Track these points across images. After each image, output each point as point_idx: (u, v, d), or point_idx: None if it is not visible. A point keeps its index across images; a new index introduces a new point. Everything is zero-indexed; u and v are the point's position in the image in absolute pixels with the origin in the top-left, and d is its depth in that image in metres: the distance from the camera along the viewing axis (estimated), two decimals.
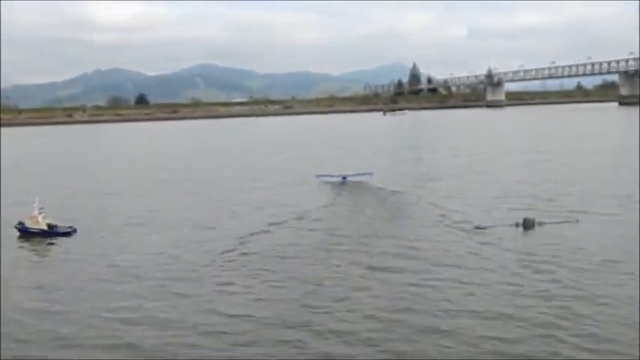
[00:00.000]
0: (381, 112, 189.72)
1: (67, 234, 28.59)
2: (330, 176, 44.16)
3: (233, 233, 27.26)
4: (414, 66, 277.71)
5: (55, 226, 28.92)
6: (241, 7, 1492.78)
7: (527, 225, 26.73)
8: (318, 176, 44.94)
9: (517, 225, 26.85)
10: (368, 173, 44.05)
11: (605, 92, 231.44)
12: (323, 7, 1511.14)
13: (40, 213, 28.80)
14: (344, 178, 43.49)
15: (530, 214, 27.95)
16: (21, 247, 27.35)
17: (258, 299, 18.52)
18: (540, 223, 26.88)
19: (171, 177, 50.16)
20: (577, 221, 27.43)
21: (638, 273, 19.60)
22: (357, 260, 22.36)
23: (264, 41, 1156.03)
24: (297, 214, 31.23)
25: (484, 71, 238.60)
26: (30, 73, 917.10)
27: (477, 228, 26.88)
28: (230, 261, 22.80)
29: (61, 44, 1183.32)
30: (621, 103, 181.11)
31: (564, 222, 27.26)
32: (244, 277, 20.73)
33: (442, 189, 38.35)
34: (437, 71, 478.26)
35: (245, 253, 23.71)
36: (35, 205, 28.82)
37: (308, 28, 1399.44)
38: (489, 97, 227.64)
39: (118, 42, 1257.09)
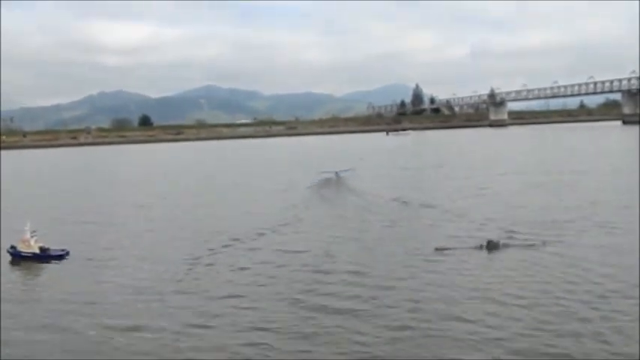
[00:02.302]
0: (384, 133, 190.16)
1: (59, 257, 28.37)
2: (328, 172, 57.83)
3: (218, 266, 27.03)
4: (417, 86, 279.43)
5: (48, 250, 28.72)
6: (246, 28, 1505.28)
7: (491, 247, 26.30)
8: (320, 172, 57.60)
9: (481, 247, 26.37)
10: (351, 169, 60.41)
11: (608, 111, 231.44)
12: (326, 28, 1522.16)
13: (32, 236, 28.64)
14: (337, 173, 57.77)
15: (499, 236, 27.62)
16: (11, 271, 27.09)
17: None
18: (505, 245, 26.49)
19: (169, 201, 50.08)
20: (544, 244, 26.80)
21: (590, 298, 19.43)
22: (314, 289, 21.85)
23: (268, 62, 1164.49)
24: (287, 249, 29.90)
25: (487, 90, 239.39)
26: (35, 94, 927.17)
27: (438, 250, 26.53)
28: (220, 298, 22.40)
29: (66, 66, 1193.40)
30: (624, 122, 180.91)
31: (530, 245, 26.75)
32: (221, 316, 19.62)
33: (424, 211, 37.93)
34: (440, 91, 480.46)
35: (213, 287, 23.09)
36: (27, 228, 28.65)
37: (311, 48, 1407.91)
38: (492, 117, 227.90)
39: (122, 64, 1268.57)
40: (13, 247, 28.86)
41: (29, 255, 28.32)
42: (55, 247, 29.04)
